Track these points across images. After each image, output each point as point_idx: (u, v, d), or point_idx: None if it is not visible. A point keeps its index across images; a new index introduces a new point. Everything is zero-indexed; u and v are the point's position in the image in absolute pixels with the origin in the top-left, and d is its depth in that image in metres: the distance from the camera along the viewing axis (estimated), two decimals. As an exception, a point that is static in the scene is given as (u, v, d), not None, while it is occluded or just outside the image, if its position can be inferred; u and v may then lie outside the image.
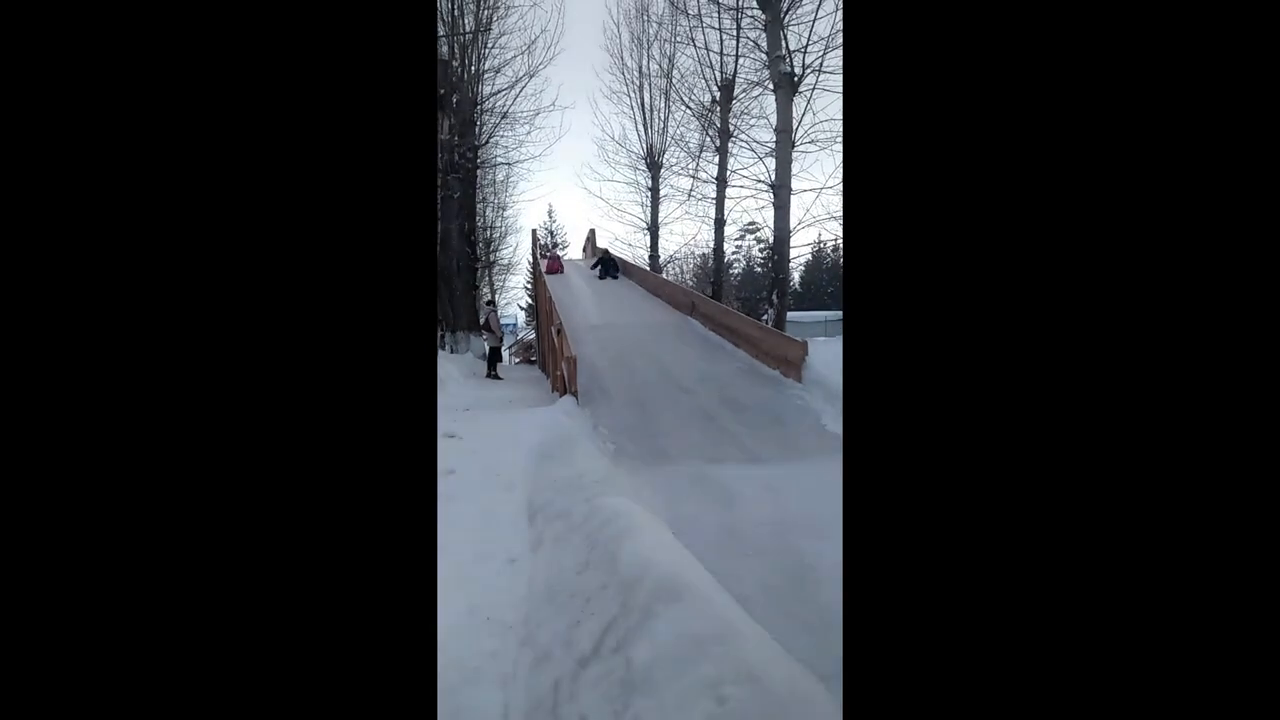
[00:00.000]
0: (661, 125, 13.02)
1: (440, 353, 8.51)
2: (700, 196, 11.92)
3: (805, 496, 3.45)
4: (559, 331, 6.81)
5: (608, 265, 12.30)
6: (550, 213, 26.22)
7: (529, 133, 15.43)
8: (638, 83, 13.03)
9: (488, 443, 4.36)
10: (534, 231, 15.51)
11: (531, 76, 11.48)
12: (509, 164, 13.55)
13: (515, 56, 11.67)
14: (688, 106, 11.88)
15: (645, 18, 12.79)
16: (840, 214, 9.78)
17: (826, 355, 5.84)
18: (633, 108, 13.28)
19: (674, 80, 12.19)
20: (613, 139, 16.86)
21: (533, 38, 14.51)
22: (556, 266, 12.49)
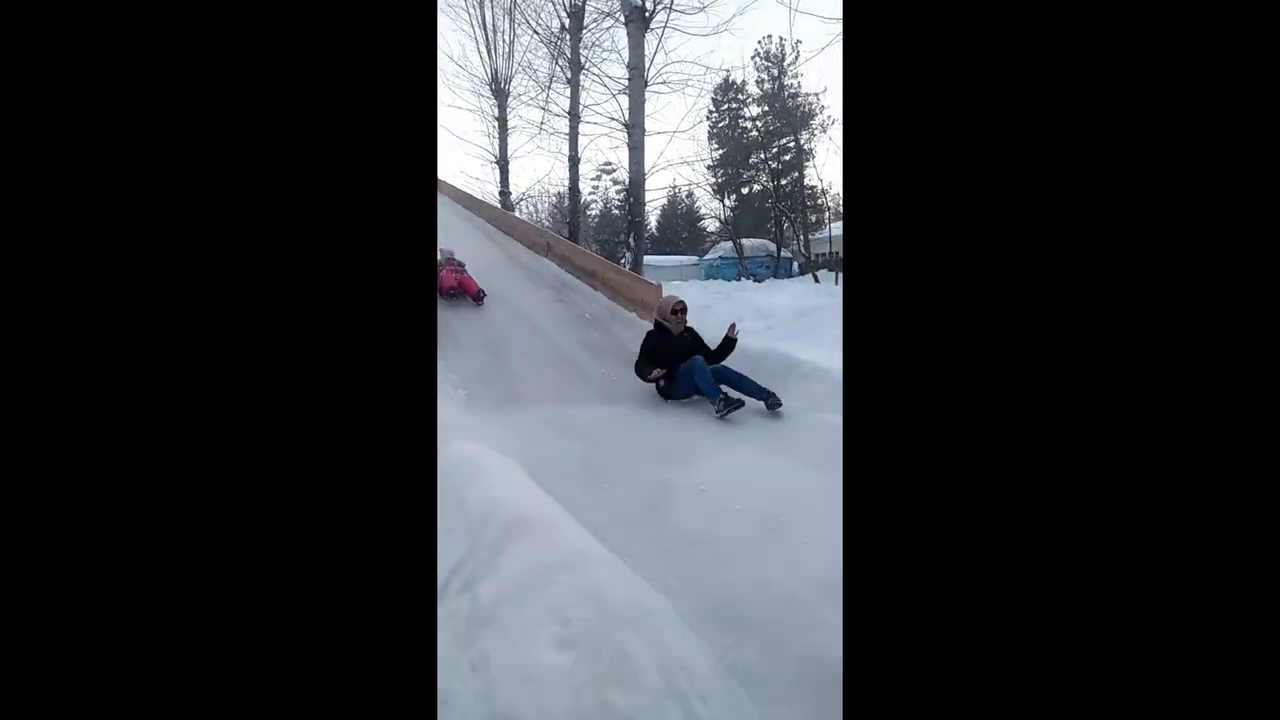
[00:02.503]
0: (507, 49, 12.16)
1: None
2: (552, 130, 11.50)
3: (662, 431, 3.61)
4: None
5: (691, 364, 3.89)
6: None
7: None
8: (478, -3, 11.94)
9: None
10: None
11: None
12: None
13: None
14: (535, 32, 11.19)
15: (485, -76, 11.64)
16: (691, 160, 9.95)
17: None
18: (473, 25, 12.19)
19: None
20: (452, 60, 15.37)
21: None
22: (468, 284, 6.21)
